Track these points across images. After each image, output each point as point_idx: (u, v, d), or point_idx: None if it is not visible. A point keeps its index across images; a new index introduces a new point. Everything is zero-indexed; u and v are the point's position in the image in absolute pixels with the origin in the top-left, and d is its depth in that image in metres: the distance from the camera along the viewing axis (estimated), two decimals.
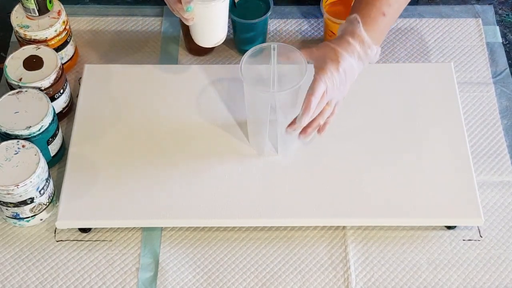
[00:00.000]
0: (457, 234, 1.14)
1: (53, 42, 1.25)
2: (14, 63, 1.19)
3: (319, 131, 1.11)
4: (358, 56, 1.09)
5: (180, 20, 1.27)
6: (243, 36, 1.27)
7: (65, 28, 1.26)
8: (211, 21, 1.11)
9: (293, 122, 1.08)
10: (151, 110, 1.22)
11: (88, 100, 1.23)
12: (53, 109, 1.15)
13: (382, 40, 1.13)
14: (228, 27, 1.17)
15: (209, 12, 1.09)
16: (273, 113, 1.11)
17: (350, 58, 1.08)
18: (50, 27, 1.23)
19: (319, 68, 1.07)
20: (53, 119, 1.15)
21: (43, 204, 1.12)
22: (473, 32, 1.36)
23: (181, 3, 1.07)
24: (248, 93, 1.11)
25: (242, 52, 1.32)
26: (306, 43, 1.35)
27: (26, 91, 1.15)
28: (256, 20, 1.26)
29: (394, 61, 1.32)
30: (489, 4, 1.41)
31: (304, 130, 1.09)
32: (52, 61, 1.19)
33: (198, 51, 1.32)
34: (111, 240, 1.13)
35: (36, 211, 1.12)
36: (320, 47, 1.09)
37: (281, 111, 1.10)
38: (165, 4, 1.38)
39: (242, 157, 1.16)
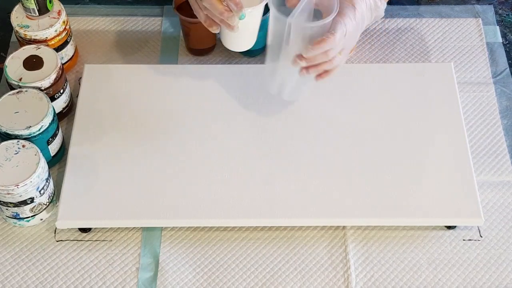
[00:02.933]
0: (457, 234, 1.14)
1: (53, 42, 1.25)
2: (14, 63, 1.19)
3: (316, 77, 1.10)
4: (370, 5, 1.11)
5: (181, 21, 1.28)
6: None
7: (65, 28, 1.26)
8: (254, 26, 1.11)
9: (301, 56, 1.06)
10: (151, 110, 1.22)
11: (88, 100, 1.23)
12: (53, 109, 1.15)
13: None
14: None
15: (253, 17, 1.09)
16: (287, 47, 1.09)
17: (363, 5, 1.10)
18: (50, 27, 1.23)
19: (337, 13, 1.06)
20: (53, 119, 1.15)
21: (43, 204, 1.12)
22: (473, 32, 1.36)
23: (230, 11, 1.06)
24: (272, 18, 1.09)
25: (242, 52, 1.32)
26: None
27: (26, 91, 1.15)
28: None
29: (394, 61, 1.32)
30: (489, 4, 1.41)
31: (307, 67, 1.07)
32: (52, 61, 1.19)
33: (198, 51, 1.33)
34: (111, 240, 1.13)
35: (36, 211, 1.12)
36: None
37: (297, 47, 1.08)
38: (165, 4, 1.40)
39: (242, 157, 1.16)
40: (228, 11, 1.06)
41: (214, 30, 1.10)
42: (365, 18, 1.12)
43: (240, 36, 1.13)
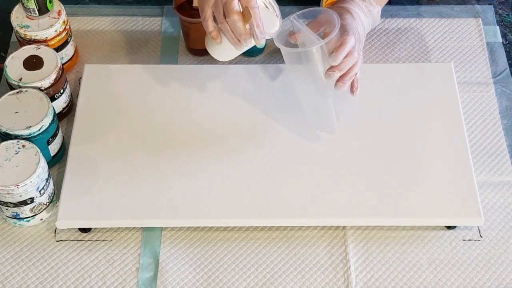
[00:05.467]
0: (457, 234, 1.14)
1: (53, 42, 1.25)
2: (14, 63, 1.19)
3: (352, 90, 1.13)
4: (363, 11, 1.15)
5: (181, 21, 1.28)
6: None
7: (65, 28, 1.26)
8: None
9: (331, 68, 1.08)
10: (151, 110, 1.22)
11: (88, 100, 1.23)
12: (53, 109, 1.15)
13: (384, 3, 1.22)
14: None
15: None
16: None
17: (356, 9, 1.14)
18: (50, 27, 1.23)
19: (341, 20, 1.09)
20: (53, 119, 1.15)
21: (43, 204, 1.12)
22: (473, 32, 1.36)
23: (249, 34, 1.05)
24: (287, 60, 1.12)
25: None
26: None
27: (26, 91, 1.15)
28: None
29: (394, 61, 1.32)
30: (489, 4, 1.41)
31: (341, 78, 1.09)
32: (52, 61, 1.19)
33: (198, 51, 1.33)
34: (111, 240, 1.13)
35: (36, 211, 1.12)
36: (325, 12, 1.11)
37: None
38: (165, 4, 1.40)
39: (242, 157, 1.16)
40: (247, 34, 1.05)
41: (217, 42, 1.09)
42: (364, 22, 1.16)
43: (234, 50, 1.11)
